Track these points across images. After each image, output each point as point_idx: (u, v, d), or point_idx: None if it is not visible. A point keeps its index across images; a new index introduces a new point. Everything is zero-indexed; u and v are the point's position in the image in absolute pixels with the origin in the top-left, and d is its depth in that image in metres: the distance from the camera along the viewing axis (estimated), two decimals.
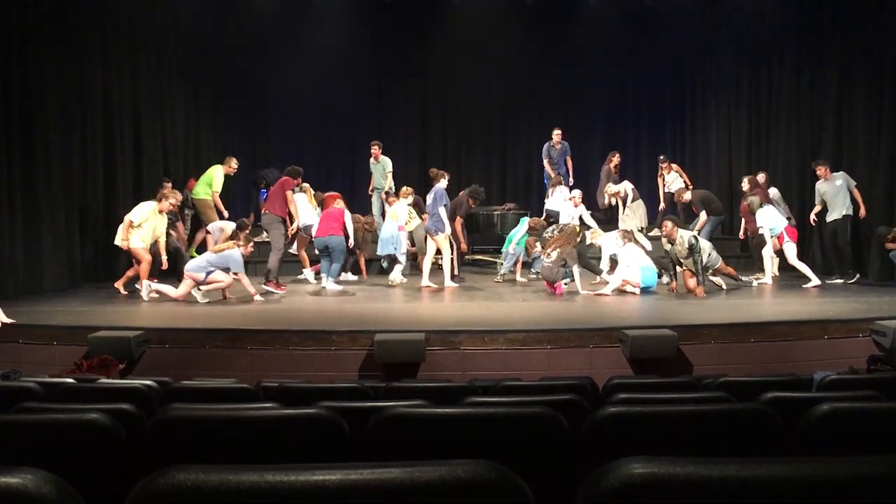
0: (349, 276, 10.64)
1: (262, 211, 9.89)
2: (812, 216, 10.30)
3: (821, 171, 10.05)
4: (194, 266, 8.59)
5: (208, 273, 8.48)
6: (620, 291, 9.01)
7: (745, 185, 10.75)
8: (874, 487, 1.09)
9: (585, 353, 6.60)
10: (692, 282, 8.96)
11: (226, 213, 10.90)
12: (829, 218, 9.96)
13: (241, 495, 1.06)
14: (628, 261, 9.10)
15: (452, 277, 9.95)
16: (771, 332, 6.82)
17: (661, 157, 13.05)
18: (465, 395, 3.28)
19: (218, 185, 10.95)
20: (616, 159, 12.82)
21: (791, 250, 9.58)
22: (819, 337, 6.82)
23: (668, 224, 8.91)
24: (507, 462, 1.15)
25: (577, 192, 11.66)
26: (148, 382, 3.93)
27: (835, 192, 9.89)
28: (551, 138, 13.18)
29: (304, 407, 2.39)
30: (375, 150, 12.13)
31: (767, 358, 6.62)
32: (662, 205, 12.70)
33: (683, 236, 8.78)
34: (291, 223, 9.68)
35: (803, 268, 9.60)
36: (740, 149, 13.14)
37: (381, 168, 12.15)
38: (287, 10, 14.55)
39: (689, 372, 6.36)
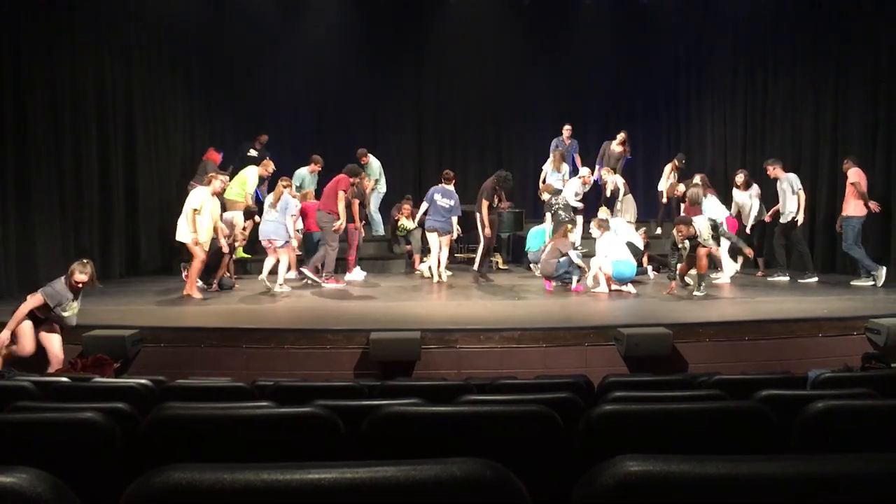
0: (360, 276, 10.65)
1: (317, 209, 10.04)
2: (768, 214, 10.41)
3: (769, 171, 10.18)
4: (270, 230, 9.32)
5: (286, 241, 9.31)
6: (617, 290, 9.03)
7: (696, 180, 10.87)
8: (869, 485, 1.09)
9: (581, 352, 6.61)
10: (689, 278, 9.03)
11: (258, 219, 10.75)
12: (781, 220, 10.09)
13: (237, 494, 1.06)
14: (603, 251, 9.10)
15: (482, 274, 10.23)
16: (766, 331, 6.84)
17: (680, 155, 12.90)
18: (461, 393, 3.28)
19: (251, 187, 10.85)
20: (621, 136, 12.68)
21: (724, 242, 9.74)
22: (813, 335, 6.84)
23: (683, 227, 8.83)
24: (503, 460, 1.15)
25: (585, 170, 11.85)
26: (143, 381, 3.92)
27: (781, 194, 10.03)
28: (561, 133, 13.15)
29: (300, 406, 2.39)
30: (364, 160, 12.32)
31: (762, 356, 6.65)
32: (665, 200, 12.67)
33: (700, 226, 8.80)
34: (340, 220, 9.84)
35: (727, 262, 9.94)
36: (736, 146, 13.17)
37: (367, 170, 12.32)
38: (282, 8, 14.54)
39: (684, 370, 6.39)
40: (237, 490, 1.06)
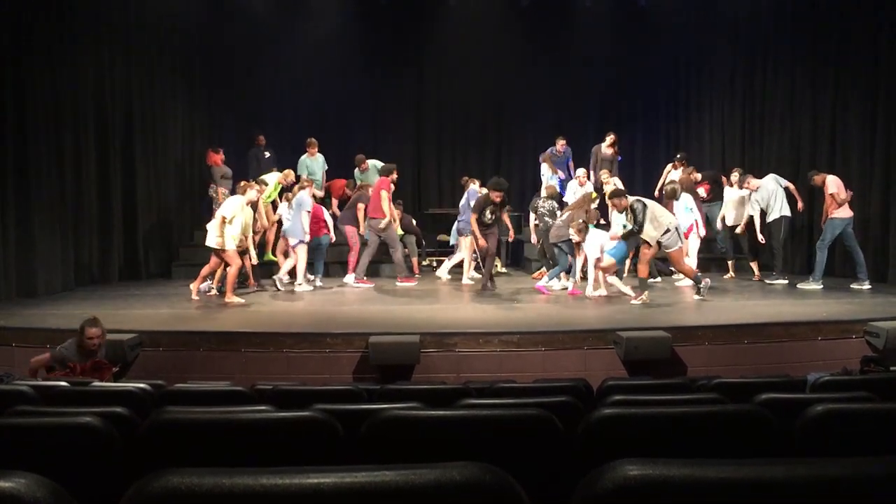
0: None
1: (369, 217, 10.21)
2: (759, 233, 10.14)
3: (749, 185, 10.15)
4: (286, 228, 9.76)
5: (300, 241, 9.58)
6: (616, 293, 9.01)
7: (675, 176, 10.94)
8: (868, 488, 1.09)
9: (580, 355, 6.61)
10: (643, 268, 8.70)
11: (273, 220, 10.73)
12: (768, 220, 10.04)
13: (236, 498, 1.06)
14: (594, 250, 9.00)
15: (484, 286, 9.92)
16: (765, 334, 6.85)
17: (680, 156, 12.78)
18: (460, 397, 3.28)
19: (266, 193, 10.81)
20: (611, 138, 12.62)
21: (692, 245, 9.82)
22: (812, 338, 6.84)
23: (616, 200, 8.61)
24: (502, 464, 1.14)
25: (581, 171, 11.82)
26: (142, 385, 3.91)
27: (768, 197, 9.96)
28: (555, 145, 13.09)
29: (299, 410, 2.39)
30: (363, 166, 12.34)
31: (761, 359, 6.65)
32: (657, 194, 12.64)
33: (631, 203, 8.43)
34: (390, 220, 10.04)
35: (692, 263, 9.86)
36: (734, 148, 13.17)
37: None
38: (282, 8, 14.54)
39: (683, 373, 6.39)
40: (236, 494, 1.06)
